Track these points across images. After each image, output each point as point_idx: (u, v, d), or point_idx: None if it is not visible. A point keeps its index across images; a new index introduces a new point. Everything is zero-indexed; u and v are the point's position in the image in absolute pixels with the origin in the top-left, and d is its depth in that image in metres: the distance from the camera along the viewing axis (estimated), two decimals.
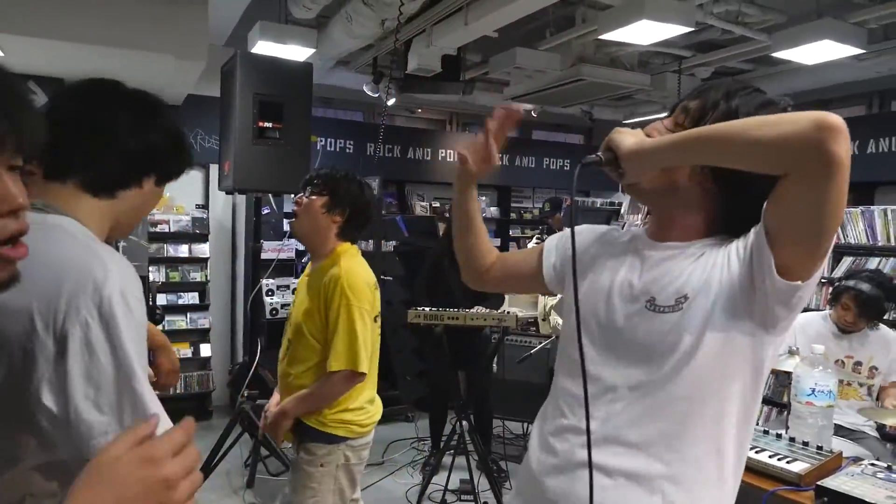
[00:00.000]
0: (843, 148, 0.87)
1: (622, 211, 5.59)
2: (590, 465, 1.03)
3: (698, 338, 1.03)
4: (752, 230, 1.03)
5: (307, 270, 2.37)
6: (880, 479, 1.76)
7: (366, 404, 2.27)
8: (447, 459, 3.89)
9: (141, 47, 3.87)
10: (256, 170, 3.26)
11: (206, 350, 5.40)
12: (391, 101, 5.78)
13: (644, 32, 4.14)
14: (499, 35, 4.65)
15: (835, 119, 0.87)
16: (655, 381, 1.05)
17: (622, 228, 1.40)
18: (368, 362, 2.16)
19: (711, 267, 1.06)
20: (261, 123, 3.24)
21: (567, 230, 1.28)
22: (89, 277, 0.92)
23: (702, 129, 0.99)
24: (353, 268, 2.19)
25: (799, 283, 0.98)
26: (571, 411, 1.14)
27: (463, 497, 3.82)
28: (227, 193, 4.49)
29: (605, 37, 4.26)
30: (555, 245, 1.35)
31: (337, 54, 5.11)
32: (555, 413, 1.19)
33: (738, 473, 1.10)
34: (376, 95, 5.31)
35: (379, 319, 2.33)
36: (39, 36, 3.67)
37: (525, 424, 4.92)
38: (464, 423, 3.74)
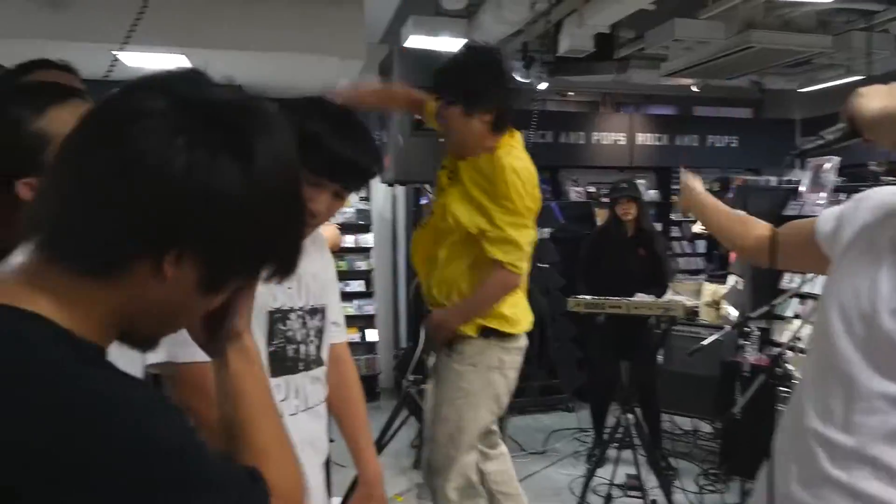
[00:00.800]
0: None
1: (802, 189, 5.07)
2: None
3: None
4: None
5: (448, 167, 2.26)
6: None
7: (518, 302, 2.19)
8: (612, 452, 3.77)
9: (305, 50, 4.12)
10: (415, 162, 3.33)
11: (372, 335, 5.69)
12: (542, 86, 5.70)
13: None
14: (655, 6, 4.39)
15: None
16: None
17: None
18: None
19: None
20: (418, 117, 3.30)
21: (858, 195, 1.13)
22: None
23: None
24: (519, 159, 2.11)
25: None
26: (817, 413, 1.01)
27: (629, 493, 3.68)
28: (388, 185, 4.67)
29: None
30: (838, 213, 1.13)
31: (487, 41, 5.11)
32: (798, 409, 1.07)
33: None
34: (527, 81, 5.25)
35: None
36: (218, 48, 4.01)
37: (694, 420, 4.64)
38: (629, 415, 3.60)
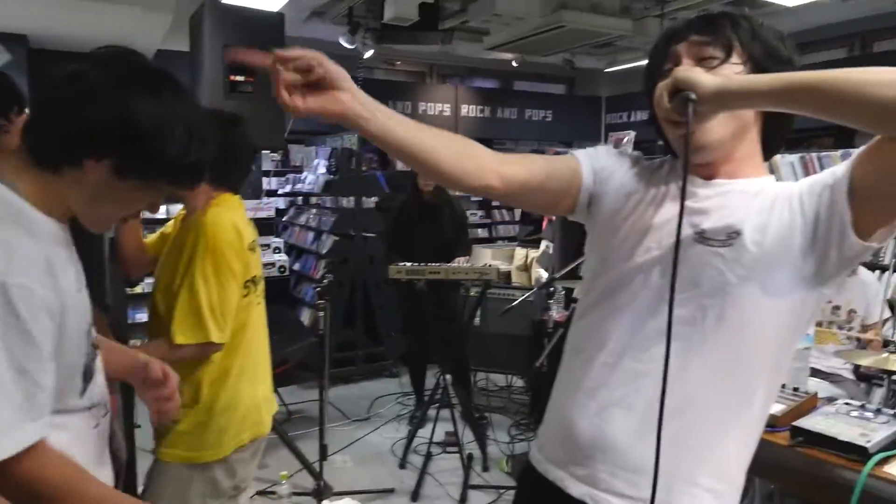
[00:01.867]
0: None
1: None
2: (660, 418, 0.94)
3: (745, 278, 0.98)
4: (818, 177, 0.99)
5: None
6: (854, 417, 1.78)
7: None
8: (432, 412, 3.93)
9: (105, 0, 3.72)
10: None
11: None
12: (368, 53, 5.65)
13: None
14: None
15: None
16: (695, 319, 1.01)
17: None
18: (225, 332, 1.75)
19: (770, 209, 1.00)
20: (232, 77, 3.12)
21: (602, 149, 1.20)
22: None
23: (808, 77, 0.89)
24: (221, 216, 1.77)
25: (872, 244, 0.94)
26: (611, 350, 1.07)
27: (448, 449, 3.87)
28: None
29: None
30: (594, 168, 1.16)
31: (311, 4, 4.96)
32: (591, 351, 1.11)
33: (763, 419, 1.08)
34: (353, 47, 5.18)
35: (260, 285, 1.97)
36: None
37: (508, 376, 4.98)
38: (446, 376, 3.77)
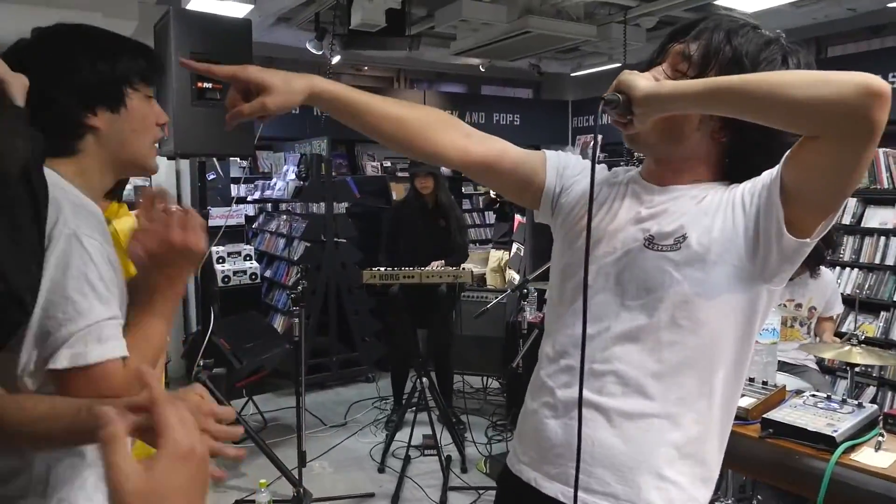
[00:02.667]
0: (886, 115, 0.84)
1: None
2: (580, 404, 1.04)
3: (694, 279, 1.02)
4: (759, 178, 1.02)
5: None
6: (821, 408, 1.85)
7: None
8: (409, 416, 3.94)
9: (67, 6, 3.66)
10: (198, 133, 3.12)
11: None
12: (335, 59, 5.64)
13: None
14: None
15: (881, 85, 0.83)
16: (651, 322, 1.04)
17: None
18: None
19: (715, 211, 1.04)
20: (199, 85, 3.09)
21: (573, 158, 1.26)
22: None
23: (731, 80, 0.93)
24: None
25: (807, 240, 0.97)
26: (568, 352, 1.12)
27: (426, 451, 3.89)
28: (168, 159, 4.34)
29: None
30: (558, 169, 1.24)
31: (277, 10, 4.94)
32: (553, 355, 1.16)
33: (727, 414, 1.10)
34: (320, 53, 5.17)
35: None
36: None
37: (484, 378, 5.01)
38: (424, 379, 3.78)
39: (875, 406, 1.85)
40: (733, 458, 2.25)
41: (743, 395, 1.97)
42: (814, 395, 1.94)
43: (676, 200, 1.08)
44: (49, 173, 1.02)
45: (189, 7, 4.12)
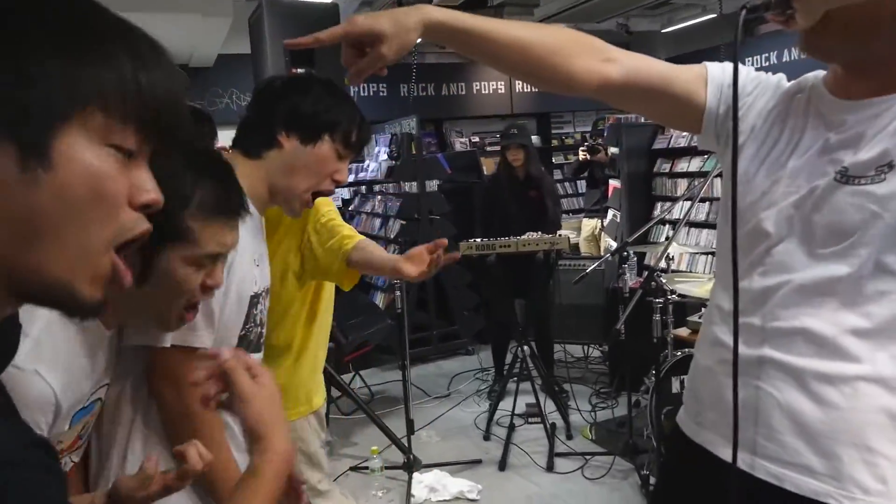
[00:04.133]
0: None
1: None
2: (735, 363, 0.90)
3: None
4: None
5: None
6: None
7: None
8: (511, 386, 3.97)
9: (167, 9, 3.89)
10: None
11: None
12: (419, 39, 5.69)
13: None
14: None
15: None
16: (851, 273, 0.87)
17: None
18: None
19: None
20: (294, 70, 3.22)
21: (743, 70, 1.01)
22: None
23: None
24: None
25: None
26: (746, 308, 0.95)
27: (530, 420, 3.91)
28: None
29: None
30: (721, 86, 1.03)
31: None
32: (729, 309, 0.99)
33: None
34: None
35: None
36: None
37: (585, 347, 4.96)
38: (525, 348, 3.80)
39: None
40: None
41: None
42: None
43: (876, 119, 0.87)
44: None
45: None
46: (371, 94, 6.51)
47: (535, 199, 4.32)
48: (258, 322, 1.32)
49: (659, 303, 3.00)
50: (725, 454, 0.94)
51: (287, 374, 1.78)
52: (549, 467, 3.39)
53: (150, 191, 0.55)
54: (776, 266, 0.94)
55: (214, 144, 1.82)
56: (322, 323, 1.88)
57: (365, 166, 6.10)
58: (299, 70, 3.25)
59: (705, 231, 5.35)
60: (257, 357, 1.35)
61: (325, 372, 3.66)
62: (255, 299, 1.28)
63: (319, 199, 1.69)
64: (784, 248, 0.93)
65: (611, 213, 5.64)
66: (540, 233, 3.65)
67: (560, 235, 3.70)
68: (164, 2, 3.82)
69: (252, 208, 1.21)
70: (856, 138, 0.89)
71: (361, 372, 4.67)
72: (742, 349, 0.92)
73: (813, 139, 0.93)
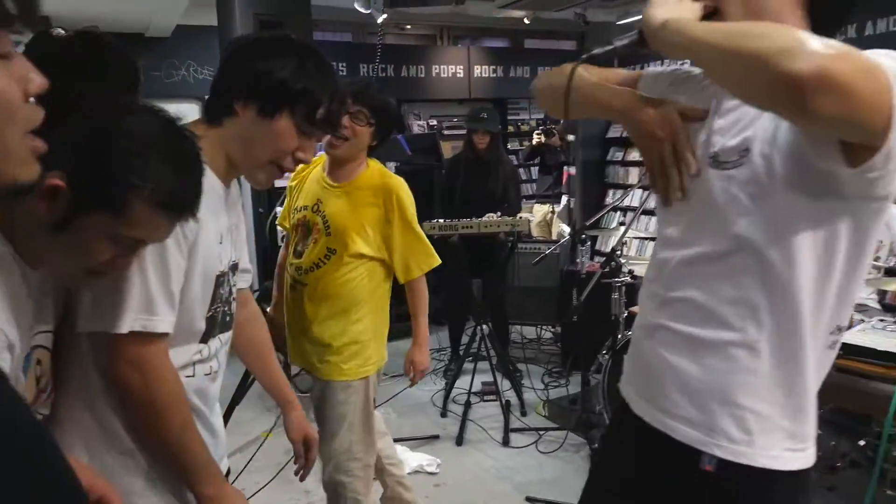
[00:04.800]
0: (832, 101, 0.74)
1: None
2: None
3: (760, 198, 0.93)
4: None
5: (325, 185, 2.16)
6: (889, 331, 1.89)
7: None
8: (468, 366, 4.07)
9: None
10: None
11: None
12: (381, 18, 5.66)
13: None
14: None
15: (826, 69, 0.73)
16: (725, 248, 0.98)
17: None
18: None
19: None
20: None
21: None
22: None
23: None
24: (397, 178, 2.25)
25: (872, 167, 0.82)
26: (651, 275, 1.14)
27: (486, 397, 4.02)
28: None
29: None
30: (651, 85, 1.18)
31: None
32: (646, 279, 1.19)
33: (821, 341, 0.99)
34: (367, 12, 5.20)
35: None
36: None
37: (538, 328, 5.10)
38: (483, 327, 3.89)
39: None
40: None
41: None
42: (882, 320, 1.98)
43: (744, 106, 0.96)
44: None
45: None
46: None
47: (496, 182, 4.39)
48: (225, 300, 1.27)
49: (619, 282, 3.14)
50: (635, 405, 1.12)
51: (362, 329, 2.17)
52: (505, 442, 3.51)
53: (35, 79, 0.62)
54: (667, 241, 1.09)
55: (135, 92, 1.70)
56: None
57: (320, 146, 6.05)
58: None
59: (654, 218, 5.56)
60: (226, 337, 1.32)
61: (286, 348, 3.67)
62: (221, 278, 1.23)
63: (402, 191, 2.14)
64: (675, 223, 1.07)
65: (564, 198, 5.79)
66: (500, 214, 3.74)
67: (521, 218, 3.80)
68: None
69: (215, 181, 1.20)
70: (731, 124, 0.99)
71: None
72: (649, 315, 1.11)
73: (708, 125, 1.03)
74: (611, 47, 1.04)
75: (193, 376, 1.22)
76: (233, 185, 1.32)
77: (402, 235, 2.12)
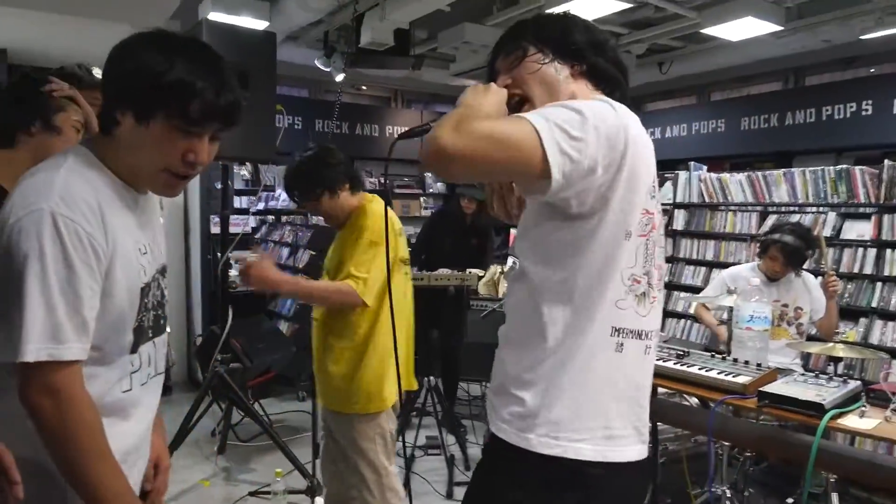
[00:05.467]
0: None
1: None
2: None
3: (525, 227, 1.25)
4: None
5: None
6: (810, 383, 2.06)
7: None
8: (413, 420, 4.07)
9: (94, 15, 3.85)
10: (224, 137, 3.33)
11: None
12: (340, 77, 5.87)
13: (585, 8, 4.41)
14: (450, 9, 4.81)
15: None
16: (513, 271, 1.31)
17: None
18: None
19: None
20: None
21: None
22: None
23: None
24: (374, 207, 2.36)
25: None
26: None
27: (430, 451, 4.02)
28: None
29: (549, 12, 4.51)
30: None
31: (288, 28, 5.16)
32: None
33: (574, 347, 1.16)
34: (328, 70, 5.39)
35: (406, 268, 2.47)
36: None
37: (482, 385, 5.15)
38: (431, 379, 3.93)
39: (858, 382, 2.06)
40: (733, 436, 2.46)
41: (739, 375, 2.18)
42: (803, 374, 2.15)
43: None
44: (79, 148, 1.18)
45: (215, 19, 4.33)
46: (286, 125, 6.57)
47: (475, 248, 4.66)
48: (154, 306, 1.26)
49: None
50: None
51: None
52: (449, 494, 3.51)
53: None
54: None
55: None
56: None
57: (276, 195, 6.11)
58: None
59: None
60: (161, 339, 1.31)
61: (232, 394, 3.62)
62: (146, 290, 1.22)
63: (365, 217, 2.31)
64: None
65: (510, 260, 5.97)
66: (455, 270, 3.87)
67: (470, 273, 3.92)
68: (94, 6, 3.77)
69: (126, 192, 1.19)
70: None
71: (262, 401, 4.61)
72: None
73: None
74: (420, 127, 1.33)
75: (131, 389, 1.22)
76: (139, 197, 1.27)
77: (353, 248, 2.24)
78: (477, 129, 1.03)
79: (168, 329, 1.39)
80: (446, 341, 4.42)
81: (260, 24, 4.66)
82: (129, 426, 1.23)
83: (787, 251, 3.26)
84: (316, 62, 5.45)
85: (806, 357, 3.73)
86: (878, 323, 3.97)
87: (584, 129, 1.05)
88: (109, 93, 1.14)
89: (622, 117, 1.12)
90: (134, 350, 1.21)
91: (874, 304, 3.98)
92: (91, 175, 1.13)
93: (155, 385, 1.32)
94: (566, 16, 1.31)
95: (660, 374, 2.20)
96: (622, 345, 1.18)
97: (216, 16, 4.46)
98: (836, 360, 2.75)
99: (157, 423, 1.40)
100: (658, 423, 2.79)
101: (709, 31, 5.43)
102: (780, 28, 5.28)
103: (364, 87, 8.26)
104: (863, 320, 4.00)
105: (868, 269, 4.00)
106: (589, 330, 1.16)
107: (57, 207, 1.05)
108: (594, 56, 1.26)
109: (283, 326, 5.30)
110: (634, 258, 1.17)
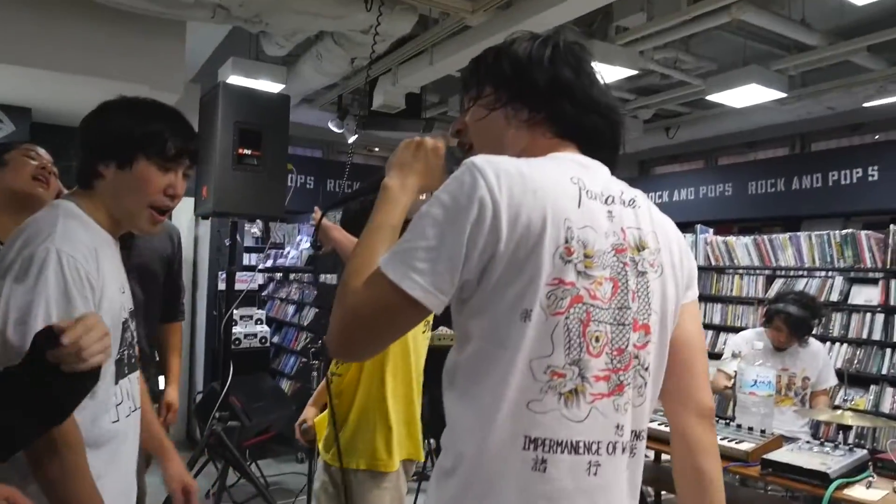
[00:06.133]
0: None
1: None
2: None
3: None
4: None
5: None
6: (815, 451, 2.01)
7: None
8: (412, 484, 3.97)
9: (115, 77, 4.00)
10: (235, 194, 3.37)
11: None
12: (352, 138, 6.02)
13: None
14: (461, 74, 4.97)
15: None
16: None
17: None
18: None
19: None
20: (241, 151, 3.38)
21: None
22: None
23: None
24: None
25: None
26: None
27: None
28: (203, 218, 4.57)
29: (514, 37, 4.63)
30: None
31: (303, 91, 5.32)
32: None
33: (469, 449, 0.92)
34: (341, 132, 5.53)
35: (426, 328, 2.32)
36: (7, 62, 3.73)
37: None
38: (431, 442, 3.87)
39: (865, 451, 2.01)
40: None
41: (743, 441, 2.13)
42: (808, 442, 2.10)
43: None
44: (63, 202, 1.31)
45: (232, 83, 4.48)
46: (298, 184, 6.70)
47: None
48: (129, 344, 1.36)
49: None
50: None
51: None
52: None
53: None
54: None
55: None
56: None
57: (285, 253, 6.17)
58: (245, 151, 3.41)
59: None
60: (134, 377, 1.40)
61: (228, 454, 3.56)
62: (126, 324, 1.33)
63: None
64: None
65: None
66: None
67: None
68: (116, 69, 3.93)
69: (107, 237, 1.33)
70: None
71: (259, 462, 4.54)
72: None
73: None
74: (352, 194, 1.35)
75: (118, 420, 1.30)
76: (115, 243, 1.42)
77: None
78: (348, 321, 0.95)
79: (138, 370, 1.46)
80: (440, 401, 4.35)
81: (276, 87, 4.82)
82: (117, 466, 1.31)
83: (792, 322, 3.20)
84: (329, 124, 5.60)
85: (815, 426, 3.64)
86: (889, 390, 3.88)
87: (439, 237, 0.90)
88: (90, 150, 1.32)
89: (512, 185, 0.90)
90: (116, 381, 1.31)
91: (884, 371, 3.90)
92: (82, 221, 1.29)
93: (135, 420, 1.40)
94: (530, 46, 1.06)
95: (660, 439, 2.16)
96: (544, 462, 0.89)
97: (235, 79, 4.62)
98: (846, 428, 2.70)
99: (169, 447, 1.55)
100: (662, 492, 2.72)
101: (714, 97, 5.54)
102: (784, 95, 5.38)
103: (377, 149, 8.45)
104: (873, 387, 3.91)
105: (877, 335, 3.94)
106: (490, 438, 0.90)
107: (61, 246, 1.18)
108: (558, 100, 1.03)
109: (285, 385, 5.27)
110: (550, 344, 0.89)
